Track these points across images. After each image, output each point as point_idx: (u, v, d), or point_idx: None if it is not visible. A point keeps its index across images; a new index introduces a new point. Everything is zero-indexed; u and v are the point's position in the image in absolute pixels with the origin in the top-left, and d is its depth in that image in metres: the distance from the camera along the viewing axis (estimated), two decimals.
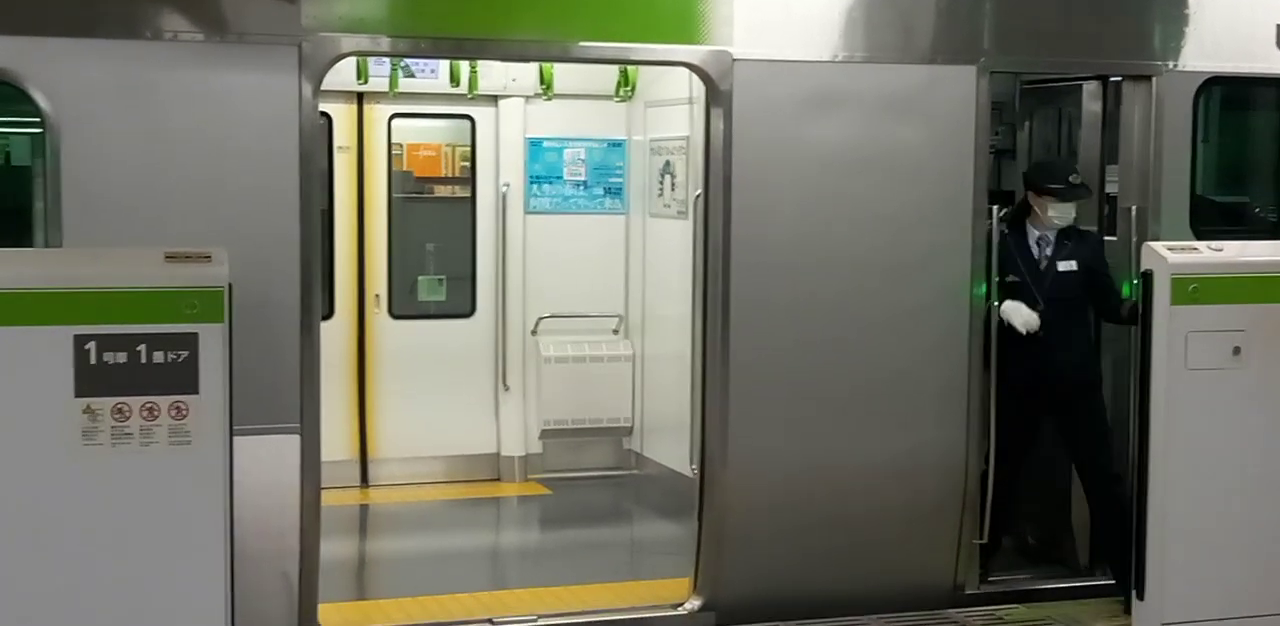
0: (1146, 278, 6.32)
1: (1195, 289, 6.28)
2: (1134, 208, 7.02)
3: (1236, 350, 6.37)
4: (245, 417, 5.46)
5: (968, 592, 6.95)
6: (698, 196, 6.72)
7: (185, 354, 5.19)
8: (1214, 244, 6.49)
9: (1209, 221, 7.23)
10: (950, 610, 6.88)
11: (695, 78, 6.68)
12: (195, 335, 5.20)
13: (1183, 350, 6.30)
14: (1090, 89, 7.23)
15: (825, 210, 6.58)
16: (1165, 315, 6.28)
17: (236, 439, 5.32)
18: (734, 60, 6.39)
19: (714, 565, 6.61)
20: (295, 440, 5.89)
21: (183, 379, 5.20)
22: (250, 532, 5.56)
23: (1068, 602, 7.05)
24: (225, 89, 5.83)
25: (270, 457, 5.80)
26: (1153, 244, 6.43)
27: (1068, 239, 6.91)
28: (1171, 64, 7.04)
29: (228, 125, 5.82)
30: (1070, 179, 6.87)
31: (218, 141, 5.81)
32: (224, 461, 5.26)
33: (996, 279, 6.84)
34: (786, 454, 6.62)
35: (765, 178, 6.49)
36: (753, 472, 6.57)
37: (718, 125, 6.44)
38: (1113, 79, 7.17)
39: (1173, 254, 6.32)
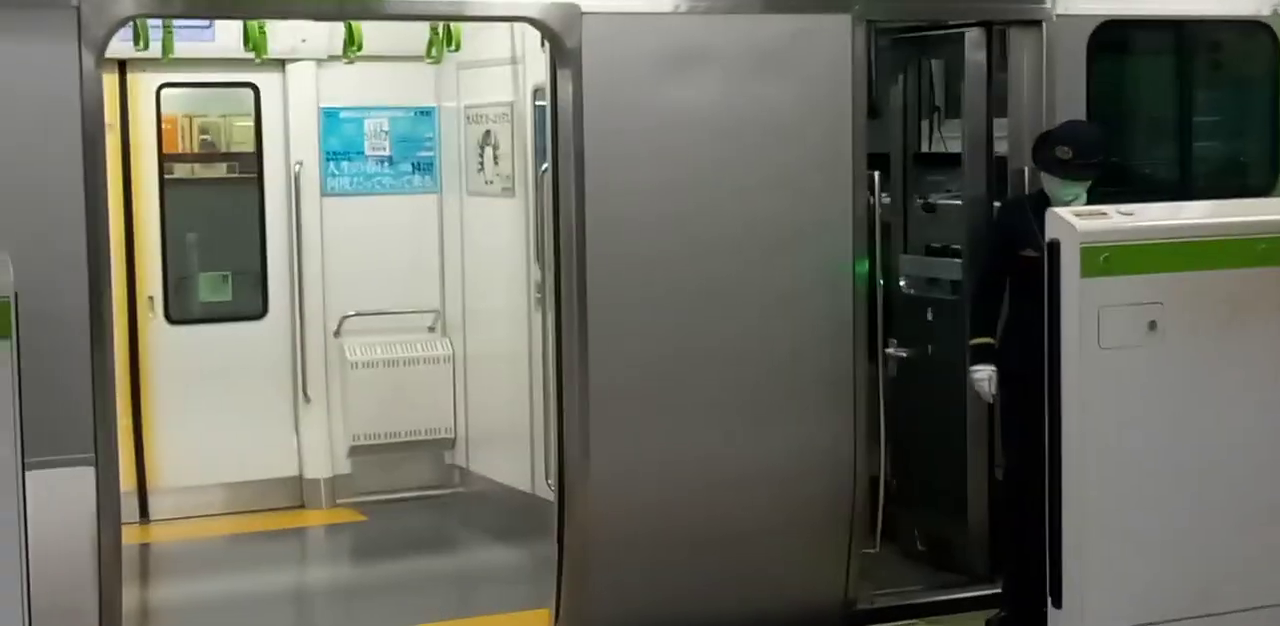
0: (1052, 248, 6.35)
1: (1107, 259, 6.34)
2: (1026, 169, 7.08)
3: (1153, 325, 6.45)
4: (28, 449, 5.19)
5: (860, 608, 7.00)
6: (544, 171, 6.61)
7: None
8: (1123, 208, 6.54)
9: (1108, 182, 7.32)
10: None
11: (524, 33, 6.57)
12: None
13: (1095, 327, 6.36)
14: (973, 37, 7.30)
15: (689, 184, 6.57)
16: (1075, 289, 6.31)
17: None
18: (582, 13, 6.35)
19: (578, 592, 6.59)
20: (90, 472, 5.70)
21: None
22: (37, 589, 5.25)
23: (967, 614, 7.11)
24: None
25: (61, 495, 5.59)
26: (1057, 210, 6.46)
27: None
28: (1062, 7, 7.14)
29: None
30: (1058, 153, 6.76)
31: None
32: (17, 501, 5.01)
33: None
34: (656, 464, 6.61)
35: (621, 148, 6.43)
36: (619, 486, 6.55)
37: (565, 88, 6.39)
38: (997, 25, 7.25)
39: (1081, 221, 6.35)
